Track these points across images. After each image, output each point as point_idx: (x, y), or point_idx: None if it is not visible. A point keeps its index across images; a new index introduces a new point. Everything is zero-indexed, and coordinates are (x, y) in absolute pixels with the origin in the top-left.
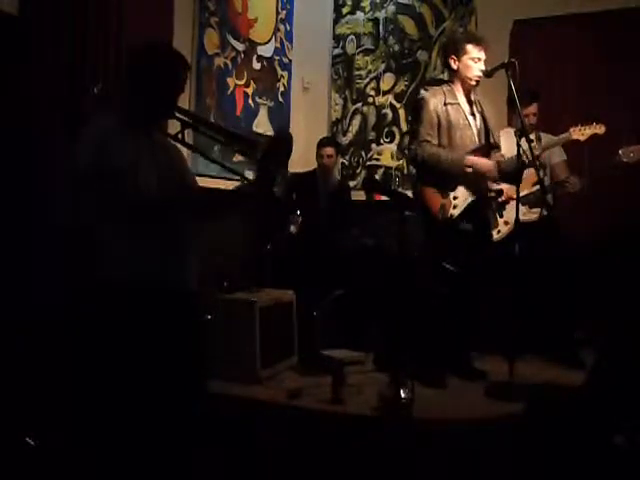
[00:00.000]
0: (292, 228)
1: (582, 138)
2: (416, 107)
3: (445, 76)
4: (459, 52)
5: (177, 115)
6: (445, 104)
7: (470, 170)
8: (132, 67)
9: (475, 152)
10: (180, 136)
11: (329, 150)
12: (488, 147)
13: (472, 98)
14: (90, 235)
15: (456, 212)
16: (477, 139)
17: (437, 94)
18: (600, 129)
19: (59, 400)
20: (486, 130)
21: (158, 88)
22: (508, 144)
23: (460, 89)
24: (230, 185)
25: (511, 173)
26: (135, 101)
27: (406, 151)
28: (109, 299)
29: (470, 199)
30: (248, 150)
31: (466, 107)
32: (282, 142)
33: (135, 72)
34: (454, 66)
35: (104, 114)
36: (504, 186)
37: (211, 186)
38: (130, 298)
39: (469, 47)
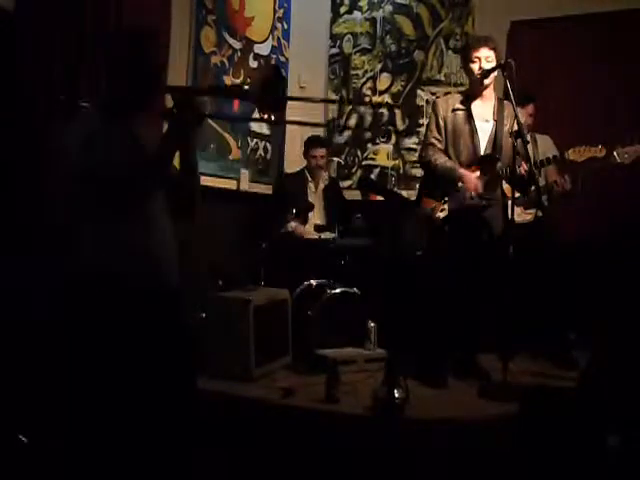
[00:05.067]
0: (290, 226)
1: (579, 159)
2: (429, 111)
3: (441, 77)
4: (466, 60)
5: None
6: (453, 110)
7: (460, 184)
8: (105, 57)
9: (478, 163)
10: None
11: (321, 151)
12: (491, 160)
13: (490, 102)
14: (73, 233)
15: (442, 215)
16: (483, 147)
17: (449, 99)
18: (601, 152)
19: (40, 399)
20: (496, 138)
21: (131, 74)
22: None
23: (475, 94)
24: (226, 184)
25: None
26: (113, 90)
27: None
28: (89, 297)
29: (458, 205)
30: (243, 95)
31: (479, 113)
32: (274, 80)
33: (107, 61)
34: (465, 74)
35: (88, 110)
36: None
37: (207, 184)
38: (110, 297)
39: (469, 52)
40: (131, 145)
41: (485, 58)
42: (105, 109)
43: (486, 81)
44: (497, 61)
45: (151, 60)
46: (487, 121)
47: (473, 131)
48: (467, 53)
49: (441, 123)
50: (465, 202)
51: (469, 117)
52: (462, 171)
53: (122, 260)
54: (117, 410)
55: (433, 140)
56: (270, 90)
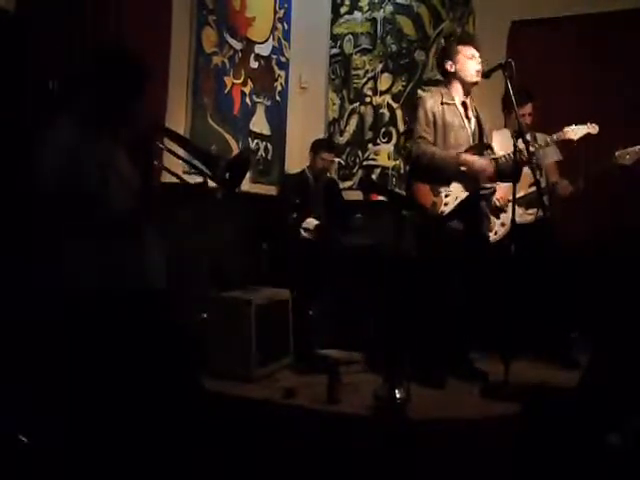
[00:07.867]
0: (305, 233)
1: (575, 137)
2: (414, 106)
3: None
4: (452, 55)
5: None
6: (442, 103)
7: (464, 169)
8: (95, 72)
9: (468, 151)
10: None
11: (331, 155)
12: (482, 147)
13: (468, 102)
14: (53, 237)
15: (447, 209)
16: (471, 140)
17: (435, 94)
18: (594, 129)
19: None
20: (480, 133)
21: (112, 96)
22: (504, 144)
23: (458, 91)
24: None
25: (509, 171)
26: (98, 105)
27: (402, 150)
28: (74, 300)
29: (460, 197)
30: (210, 164)
31: (462, 109)
32: (241, 162)
33: (96, 78)
34: (451, 69)
35: (69, 115)
36: (501, 188)
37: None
38: (94, 299)
39: (460, 47)
40: (108, 162)
41: (478, 56)
42: (86, 124)
43: (477, 79)
44: None
45: (138, 84)
46: (469, 117)
47: (464, 125)
48: (459, 49)
49: (430, 117)
50: (476, 186)
51: (458, 112)
52: (466, 155)
53: (110, 265)
54: (110, 410)
55: (423, 133)
56: (234, 171)
